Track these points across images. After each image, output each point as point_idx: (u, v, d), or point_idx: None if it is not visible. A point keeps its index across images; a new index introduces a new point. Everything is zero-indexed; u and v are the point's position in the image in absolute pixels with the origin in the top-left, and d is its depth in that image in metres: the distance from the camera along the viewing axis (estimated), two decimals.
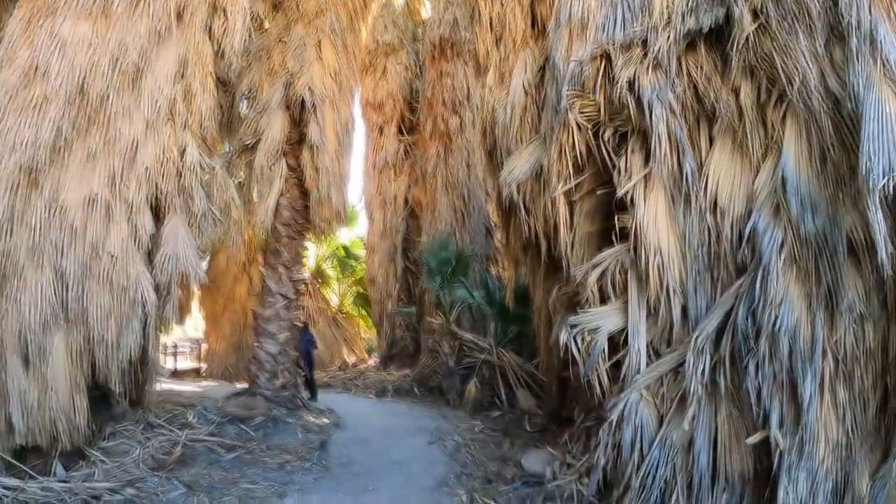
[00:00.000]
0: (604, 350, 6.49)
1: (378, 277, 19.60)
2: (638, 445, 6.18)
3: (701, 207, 6.09)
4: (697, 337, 5.95)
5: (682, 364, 6.18)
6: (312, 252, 24.84)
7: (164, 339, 28.78)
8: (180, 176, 9.04)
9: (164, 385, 14.67)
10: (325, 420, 11.51)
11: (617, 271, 6.61)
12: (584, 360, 6.52)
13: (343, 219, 12.50)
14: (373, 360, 22.53)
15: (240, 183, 13.42)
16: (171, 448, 8.73)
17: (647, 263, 6.30)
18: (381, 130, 20.68)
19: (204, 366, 22.70)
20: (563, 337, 6.61)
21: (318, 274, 24.80)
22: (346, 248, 25.23)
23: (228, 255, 20.88)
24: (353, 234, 25.64)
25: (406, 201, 19.69)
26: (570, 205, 7.12)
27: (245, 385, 12.85)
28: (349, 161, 13.26)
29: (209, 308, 22.27)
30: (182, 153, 9.12)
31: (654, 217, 6.26)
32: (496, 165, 8.91)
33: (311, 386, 13.80)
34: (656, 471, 6.01)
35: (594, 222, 7.29)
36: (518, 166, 7.51)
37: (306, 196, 12.27)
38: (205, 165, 9.47)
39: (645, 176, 6.37)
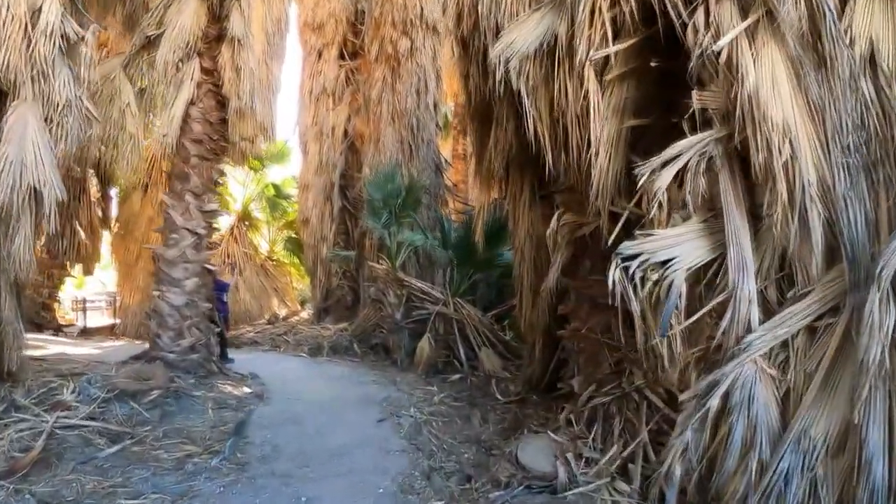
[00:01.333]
0: (680, 295, 4.26)
1: (312, 218, 17.01)
2: (756, 447, 3.96)
3: (851, 70, 3.80)
4: (881, 271, 3.63)
5: (821, 317, 4.03)
6: (240, 194, 22.19)
7: (76, 291, 25.91)
8: (31, 44, 6.36)
9: (53, 349, 12.02)
10: (246, 390, 9.01)
11: (699, 171, 4.34)
12: (648, 310, 4.30)
13: (270, 136, 9.94)
14: (306, 313, 20.01)
15: (140, 89, 10.72)
16: (32, 440, 6.23)
17: (759, 156, 4.01)
18: (319, 55, 18.09)
19: (118, 322, 19.93)
20: (613, 275, 4.36)
21: (246, 217, 22.02)
22: (276, 187, 22.42)
23: (143, 194, 18.10)
24: (286, 173, 22.88)
25: (346, 133, 17.04)
26: (601, 87, 4.87)
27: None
28: (280, 69, 10.66)
29: (121, 256, 19.37)
30: (35, 12, 6.42)
31: (769, 85, 3.95)
32: (474, 54, 6.56)
33: (223, 345, 11.35)
34: (787, 485, 3.79)
35: (639, 111, 5.07)
36: (520, 38, 5.13)
37: (224, 107, 9.67)
38: (72, 33, 6.76)
39: (749, 29, 4.14)
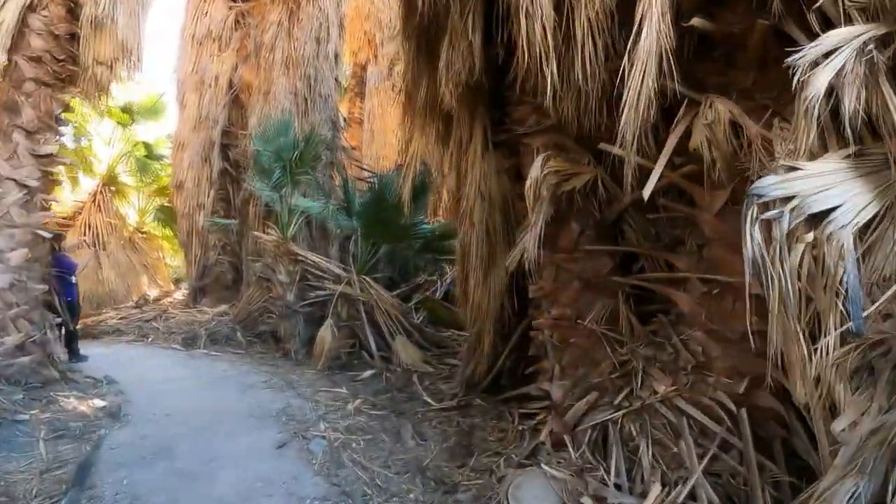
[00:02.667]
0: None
1: (187, 182, 14.28)
2: None
3: None
4: None
5: None
6: (105, 154, 18.98)
7: None
8: None
9: None
10: (97, 404, 6.60)
11: (858, 77, 2.66)
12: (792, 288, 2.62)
13: (135, 62, 7.48)
14: (181, 293, 17.25)
15: None
16: None
17: None
18: None
19: None
20: (751, 232, 2.67)
21: (111, 181, 18.88)
22: (147, 147, 19.26)
23: None
24: (161, 132, 19.69)
25: (231, 84, 14.47)
26: None
27: None
28: None
29: None
30: None
31: None
32: None
33: (71, 341, 8.87)
34: None
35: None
36: None
37: (76, 18, 7.23)
38: None
39: None
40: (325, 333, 8.82)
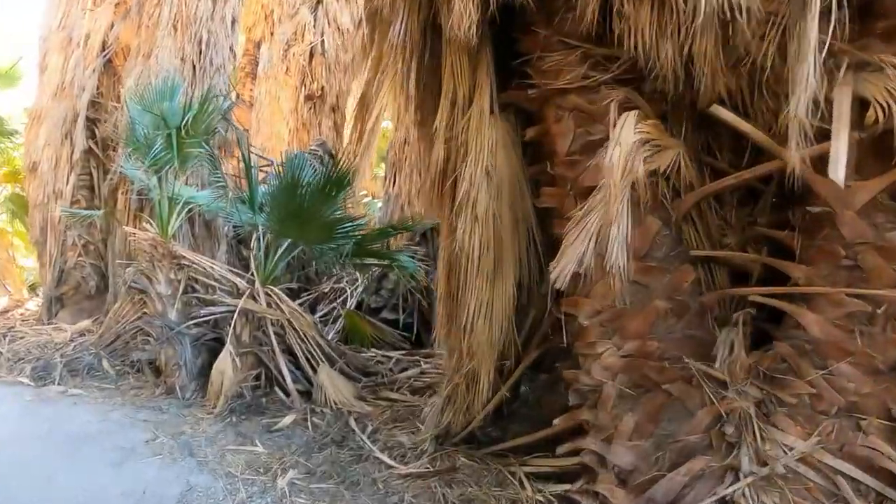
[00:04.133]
0: None
1: (43, 163, 11.13)
2: None
3: None
4: None
5: None
6: None
7: None
8: None
9: None
10: None
11: None
12: None
13: None
14: (35, 303, 14.02)
15: None
16: None
17: None
18: None
19: None
20: None
21: None
22: None
23: None
24: (17, 105, 16.25)
25: (104, 46, 11.56)
26: None
27: None
28: None
29: None
30: None
31: None
32: None
33: None
34: None
35: None
36: None
37: None
38: None
39: None
40: (224, 365, 6.46)
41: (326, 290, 10.06)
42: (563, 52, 4.16)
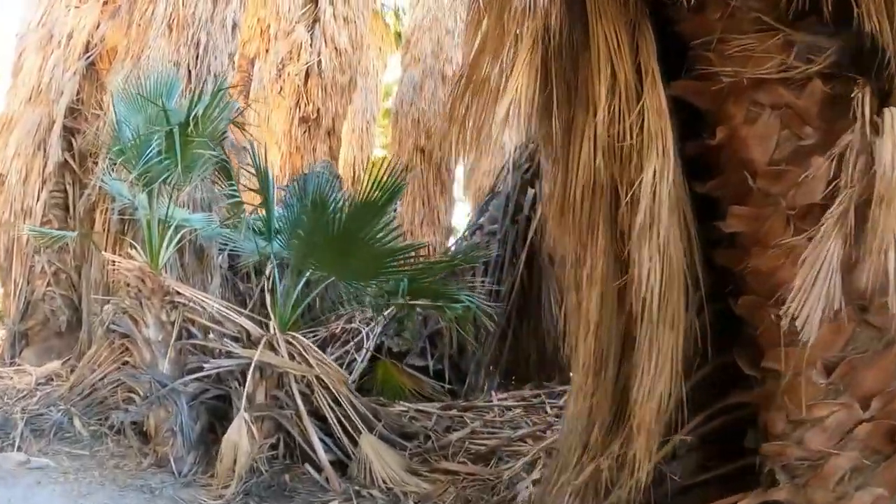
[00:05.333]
0: None
1: (11, 176, 9.50)
2: None
3: None
4: None
5: None
6: None
7: None
8: None
9: None
10: None
11: None
12: None
13: None
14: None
15: None
16: None
17: None
18: None
19: None
20: None
21: None
22: None
23: None
24: None
25: (88, 46, 9.97)
26: None
27: None
28: None
29: None
30: None
31: None
32: None
33: None
34: None
35: None
36: None
37: None
38: None
39: None
40: (238, 435, 4.93)
41: (337, 331, 8.58)
42: (755, 34, 2.96)
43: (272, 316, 5.68)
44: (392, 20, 23.01)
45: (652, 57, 3.00)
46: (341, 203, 5.59)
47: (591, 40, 3.02)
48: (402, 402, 7.17)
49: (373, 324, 8.38)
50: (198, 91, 8.47)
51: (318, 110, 16.08)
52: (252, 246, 6.62)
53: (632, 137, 2.85)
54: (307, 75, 16.07)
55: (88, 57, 9.73)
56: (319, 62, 16.19)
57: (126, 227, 8.10)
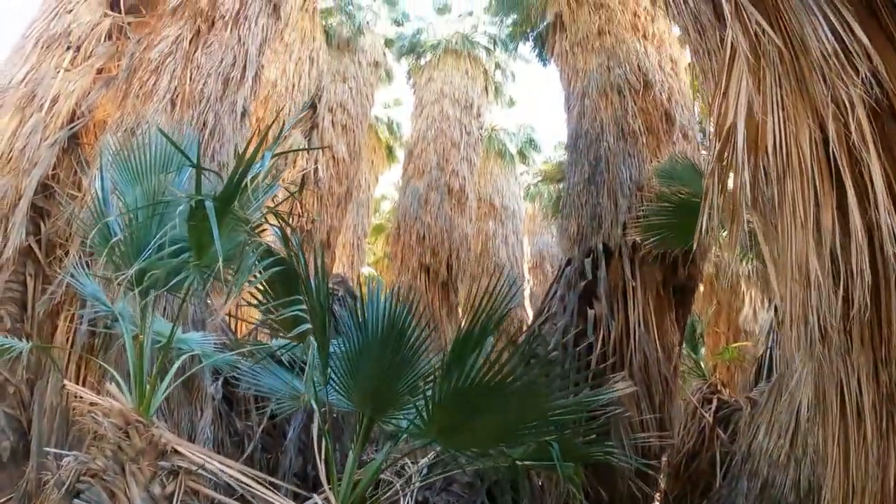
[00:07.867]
0: None
1: None
2: None
3: None
4: None
5: None
6: None
7: None
8: None
9: None
10: None
11: None
12: None
13: None
14: None
15: None
16: None
17: None
18: None
19: None
20: None
21: None
22: None
23: None
24: None
25: (74, 115, 8.17)
26: None
27: None
28: None
29: None
30: None
31: None
32: None
33: None
34: None
35: None
36: None
37: None
38: None
39: None
40: None
41: None
42: None
43: (332, 499, 3.72)
44: (384, 133, 22.03)
45: None
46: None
47: None
48: None
49: (408, 473, 6.26)
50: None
51: (314, 221, 14.63)
52: (282, 386, 4.73)
53: None
54: (302, 183, 14.76)
55: (72, 127, 8.04)
56: (316, 171, 14.93)
57: (98, 344, 6.21)
